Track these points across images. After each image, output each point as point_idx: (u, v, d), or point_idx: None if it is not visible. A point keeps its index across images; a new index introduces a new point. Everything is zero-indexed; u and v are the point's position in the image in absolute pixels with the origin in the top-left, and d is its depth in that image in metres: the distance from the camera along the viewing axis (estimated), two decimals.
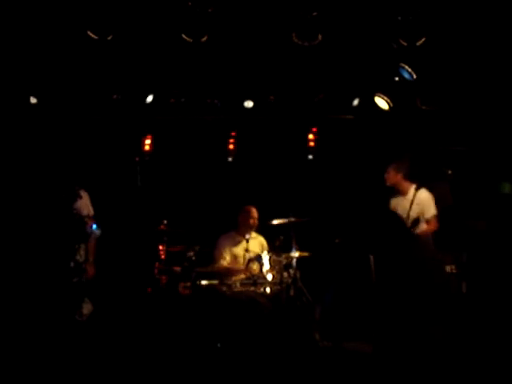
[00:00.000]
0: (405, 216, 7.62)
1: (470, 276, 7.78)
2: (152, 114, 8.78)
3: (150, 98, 8.43)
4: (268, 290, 7.92)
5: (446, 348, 6.92)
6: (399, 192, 7.96)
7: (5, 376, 6.21)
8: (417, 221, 7.61)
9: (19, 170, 8.61)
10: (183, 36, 7.29)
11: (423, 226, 7.77)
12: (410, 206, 7.57)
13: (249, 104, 8.70)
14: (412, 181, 7.89)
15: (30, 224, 8.45)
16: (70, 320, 7.38)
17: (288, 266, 8.04)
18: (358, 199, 9.22)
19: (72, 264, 7.47)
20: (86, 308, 7.56)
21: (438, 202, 8.11)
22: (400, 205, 7.87)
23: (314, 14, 7.22)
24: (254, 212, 8.48)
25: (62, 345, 6.92)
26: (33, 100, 8.29)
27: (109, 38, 7.22)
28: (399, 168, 7.94)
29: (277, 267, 7.97)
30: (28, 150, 8.77)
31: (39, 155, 8.81)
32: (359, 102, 8.74)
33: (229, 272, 8.31)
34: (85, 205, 7.80)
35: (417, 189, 7.71)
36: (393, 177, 7.96)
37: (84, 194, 7.88)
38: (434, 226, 7.83)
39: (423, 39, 7.35)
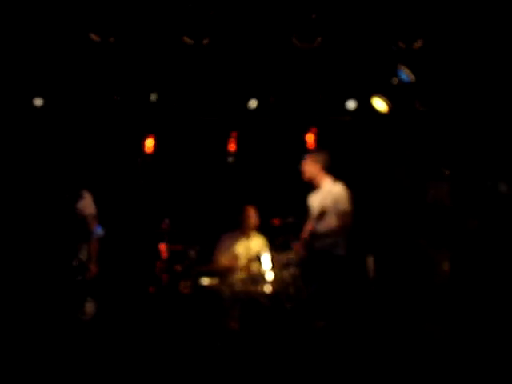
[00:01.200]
0: (316, 208, 7.38)
1: (465, 275, 7.80)
2: (154, 115, 8.82)
3: (153, 97, 8.46)
4: (268, 289, 7.98)
5: (446, 348, 6.96)
6: (315, 186, 7.67)
7: (4, 376, 6.23)
8: (322, 214, 7.30)
9: (23, 170, 8.65)
10: (185, 38, 7.32)
11: (331, 221, 7.45)
12: (324, 199, 7.36)
13: (253, 104, 8.73)
14: (328, 174, 7.63)
15: (33, 223, 8.52)
16: (73, 318, 7.45)
17: (288, 265, 8.05)
18: (358, 199, 9.26)
19: (75, 263, 7.54)
20: (89, 307, 7.59)
21: (436, 203, 8.13)
22: (314, 199, 7.61)
23: (314, 16, 7.26)
24: (255, 212, 8.53)
25: (65, 343, 6.96)
26: (38, 102, 8.32)
27: (111, 39, 7.25)
28: (318, 159, 7.65)
29: (277, 266, 7.99)
30: (32, 150, 8.82)
31: (43, 156, 8.86)
32: (357, 104, 8.76)
33: (229, 271, 8.32)
34: (88, 205, 7.84)
35: (333, 182, 7.47)
36: (311, 168, 7.64)
37: (87, 195, 7.92)
38: (343, 222, 7.38)
39: (422, 41, 7.38)
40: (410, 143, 9.09)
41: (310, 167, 7.66)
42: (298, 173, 9.42)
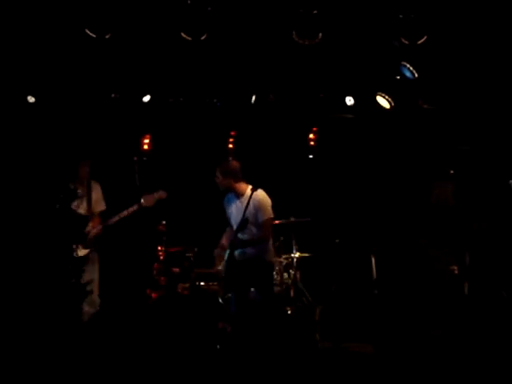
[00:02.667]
0: (239, 217, 7.07)
1: (472, 277, 7.75)
2: (150, 114, 8.74)
3: (146, 98, 8.39)
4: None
5: (447, 349, 6.88)
6: (236, 195, 7.31)
7: (5, 376, 6.17)
8: (245, 222, 7.00)
9: (15, 168, 8.60)
10: (182, 34, 7.23)
11: (253, 230, 7.16)
12: (246, 208, 7.02)
13: (253, 100, 8.64)
14: (246, 182, 7.31)
15: (25, 223, 8.46)
16: (69, 320, 7.40)
17: (288, 266, 8.01)
18: (359, 199, 9.20)
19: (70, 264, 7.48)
20: (87, 307, 7.52)
21: (440, 203, 8.07)
22: (236, 207, 7.29)
23: (315, 12, 7.17)
24: None
25: (62, 345, 6.89)
26: (31, 99, 8.25)
27: (107, 36, 7.17)
28: (226, 173, 7.27)
29: (277, 268, 7.94)
30: (25, 148, 8.76)
31: (36, 154, 8.80)
32: (360, 101, 8.69)
33: None
34: (99, 199, 7.79)
35: (253, 190, 7.08)
36: (223, 182, 7.28)
37: (96, 186, 7.81)
38: (266, 230, 7.16)
39: (425, 38, 7.30)
40: (414, 141, 9.03)
41: (223, 181, 7.28)
42: (298, 173, 9.38)
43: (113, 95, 8.40)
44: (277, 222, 8.17)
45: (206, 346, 7.12)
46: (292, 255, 7.97)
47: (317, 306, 8.03)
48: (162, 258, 8.05)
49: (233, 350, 7.02)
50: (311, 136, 9.34)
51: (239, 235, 7.05)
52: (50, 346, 6.84)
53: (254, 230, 7.11)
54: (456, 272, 7.79)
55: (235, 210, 7.23)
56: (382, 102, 8.55)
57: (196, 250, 7.92)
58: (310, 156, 9.38)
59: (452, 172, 7.75)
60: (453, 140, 8.81)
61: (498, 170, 8.44)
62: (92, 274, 7.72)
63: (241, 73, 8.25)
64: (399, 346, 7.02)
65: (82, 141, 8.83)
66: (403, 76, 8.05)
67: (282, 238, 8.13)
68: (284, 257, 7.99)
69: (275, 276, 7.89)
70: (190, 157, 9.23)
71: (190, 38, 7.23)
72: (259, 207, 7.10)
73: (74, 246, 7.48)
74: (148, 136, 8.91)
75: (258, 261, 7.10)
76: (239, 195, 7.24)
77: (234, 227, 7.15)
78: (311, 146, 9.36)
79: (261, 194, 7.17)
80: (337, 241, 8.20)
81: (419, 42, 7.31)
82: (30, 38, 7.42)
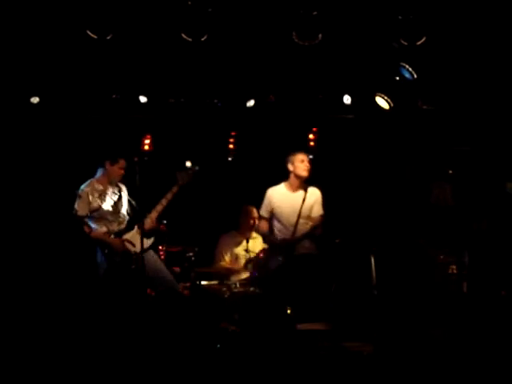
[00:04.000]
0: (294, 212, 7.64)
1: (471, 277, 7.76)
2: (151, 114, 8.75)
3: (143, 99, 8.41)
4: (268, 290, 7.91)
5: (447, 349, 6.89)
6: (291, 188, 7.95)
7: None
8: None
9: (16, 169, 8.61)
10: (183, 35, 7.25)
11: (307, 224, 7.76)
12: (303, 202, 7.62)
13: (250, 103, 8.66)
14: None
15: (26, 224, 8.48)
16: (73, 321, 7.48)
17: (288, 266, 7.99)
18: (359, 199, 9.20)
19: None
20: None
21: (439, 203, 8.08)
22: (291, 201, 7.83)
23: (315, 13, 7.19)
24: (255, 212, 8.46)
25: (63, 344, 6.97)
26: (34, 100, 8.26)
27: (108, 37, 7.17)
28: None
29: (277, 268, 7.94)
30: (27, 149, 8.77)
31: (38, 155, 8.81)
32: (359, 102, 8.70)
33: (229, 272, 8.30)
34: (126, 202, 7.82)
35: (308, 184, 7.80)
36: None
37: (124, 188, 7.86)
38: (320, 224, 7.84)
39: (424, 39, 7.31)
40: (413, 142, 9.03)
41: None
42: None
43: (113, 96, 8.39)
44: None
45: (207, 346, 7.12)
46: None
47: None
48: (162, 257, 8.06)
49: (232, 351, 7.03)
50: (311, 136, 9.33)
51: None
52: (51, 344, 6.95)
53: (308, 224, 7.64)
54: (455, 272, 7.81)
55: (289, 204, 7.69)
56: (381, 102, 8.55)
57: (196, 249, 7.92)
58: (310, 156, 9.38)
59: (451, 172, 7.76)
60: (452, 140, 8.81)
61: (498, 170, 8.45)
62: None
63: (241, 73, 8.27)
64: (399, 345, 7.01)
65: (82, 141, 8.88)
66: (402, 77, 8.06)
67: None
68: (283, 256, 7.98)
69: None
70: (191, 157, 9.22)
71: (190, 39, 7.24)
72: (317, 201, 7.72)
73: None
74: (149, 136, 8.91)
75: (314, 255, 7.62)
76: (295, 188, 7.79)
77: (287, 221, 7.66)
78: (311, 146, 9.36)
79: (317, 189, 7.71)
80: (337, 241, 8.20)
81: (418, 43, 7.31)
82: (31, 39, 7.42)
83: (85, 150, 8.82)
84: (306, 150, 9.29)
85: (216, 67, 8.12)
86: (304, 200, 7.68)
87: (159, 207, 7.73)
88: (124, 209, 7.84)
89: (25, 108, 8.37)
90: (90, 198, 7.63)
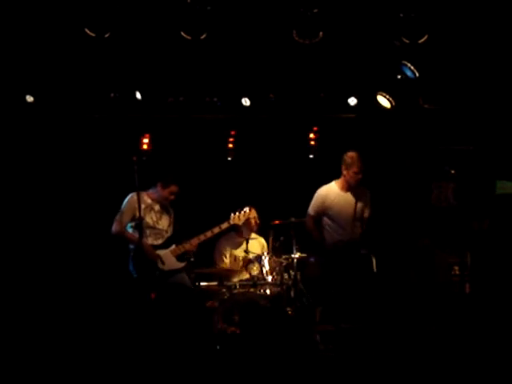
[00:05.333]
0: (348, 212, 7.74)
1: (473, 276, 7.76)
2: (150, 113, 8.72)
3: (138, 96, 8.37)
4: (268, 291, 7.90)
5: (448, 349, 6.86)
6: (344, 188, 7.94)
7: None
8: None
9: (13, 168, 8.60)
10: (182, 33, 7.20)
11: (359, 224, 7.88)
12: (356, 203, 7.73)
13: (246, 102, 8.62)
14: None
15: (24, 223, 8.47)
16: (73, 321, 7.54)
17: (288, 267, 7.99)
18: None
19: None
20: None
21: (441, 202, 8.07)
22: (345, 201, 7.87)
23: (315, 11, 7.14)
24: (254, 213, 8.42)
25: (64, 345, 7.02)
26: (29, 98, 8.22)
27: (106, 35, 7.12)
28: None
29: (277, 268, 7.93)
30: (24, 149, 8.76)
31: (35, 154, 8.80)
32: (360, 101, 8.67)
33: (228, 273, 8.29)
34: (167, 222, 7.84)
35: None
36: None
37: (171, 211, 7.88)
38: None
39: (426, 37, 7.26)
40: (415, 141, 9.02)
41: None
42: (298, 173, 9.36)
43: (112, 94, 8.36)
44: (277, 222, 8.18)
45: (206, 347, 7.11)
46: (292, 255, 7.94)
47: (317, 307, 8.01)
48: None
49: (232, 352, 7.02)
50: (312, 136, 9.31)
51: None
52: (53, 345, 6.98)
53: (359, 224, 7.77)
54: (458, 273, 7.79)
55: (345, 204, 7.77)
56: (383, 101, 8.53)
57: (196, 250, 7.89)
58: (311, 156, 9.35)
59: (453, 172, 7.74)
60: (454, 140, 8.80)
61: (499, 170, 8.45)
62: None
63: (241, 72, 8.24)
64: (399, 345, 6.99)
65: (80, 141, 8.86)
66: (404, 75, 8.03)
67: (282, 238, 8.11)
68: (284, 257, 7.96)
69: (275, 276, 7.90)
70: (190, 157, 9.22)
71: (189, 37, 7.20)
72: (368, 202, 7.84)
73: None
74: (147, 135, 8.90)
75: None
76: (346, 189, 7.86)
77: (344, 222, 7.77)
78: (311, 145, 9.33)
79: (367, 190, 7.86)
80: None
81: (420, 42, 7.27)
82: (29, 37, 7.38)
83: (83, 149, 8.82)
84: (307, 149, 9.29)
85: (215, 66, 8.09)
86: (357, 201, 7.81)
87: (202, 237, 7.77)
88: (164, 226, 7.80)
89: (21, 106, 8.34)
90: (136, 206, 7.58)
